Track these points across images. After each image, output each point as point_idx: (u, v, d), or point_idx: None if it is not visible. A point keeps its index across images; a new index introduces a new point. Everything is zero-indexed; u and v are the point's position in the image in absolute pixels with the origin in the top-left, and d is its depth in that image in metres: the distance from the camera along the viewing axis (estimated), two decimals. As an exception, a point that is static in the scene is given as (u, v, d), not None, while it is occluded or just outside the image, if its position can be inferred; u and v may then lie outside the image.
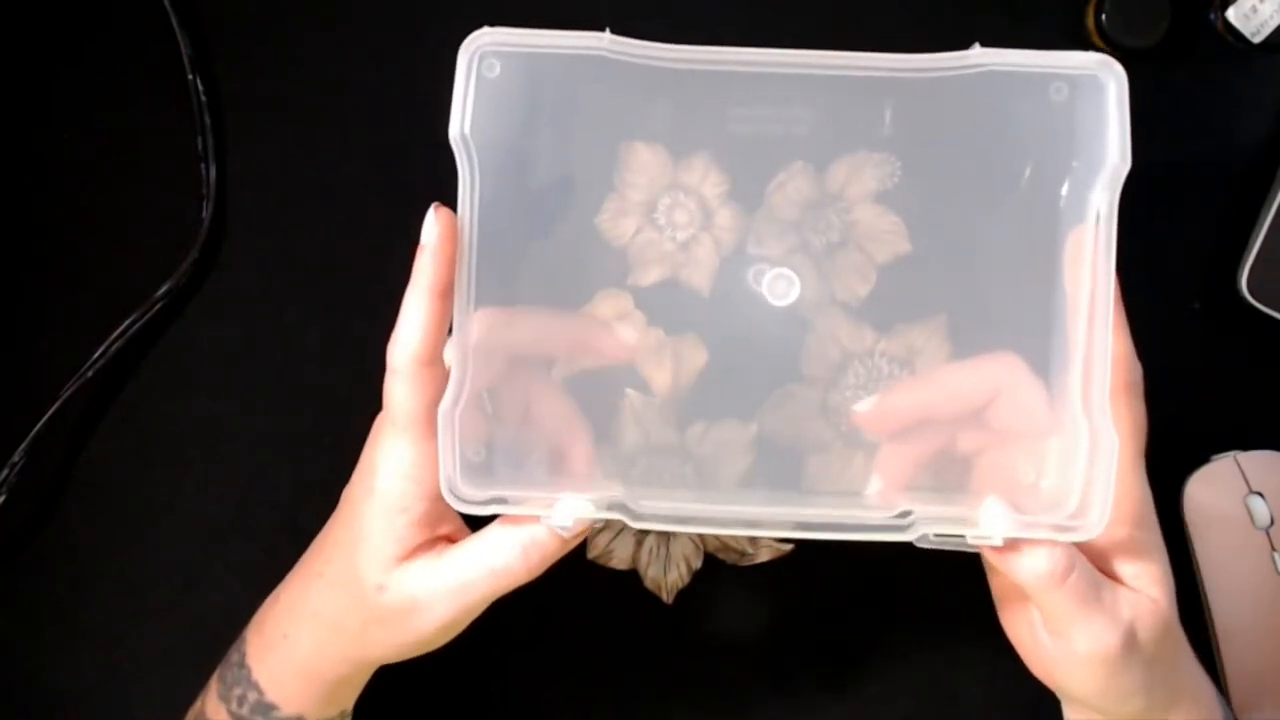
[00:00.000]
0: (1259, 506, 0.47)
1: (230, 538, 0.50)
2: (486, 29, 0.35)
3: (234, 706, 0.40)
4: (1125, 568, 0.36)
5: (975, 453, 0.37)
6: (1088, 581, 0.34)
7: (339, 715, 0.41)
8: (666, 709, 0.49)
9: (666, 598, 0.49)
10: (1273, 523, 0.47)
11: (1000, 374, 0.37)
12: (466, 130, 0.35)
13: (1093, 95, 0.35)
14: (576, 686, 0.49)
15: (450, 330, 0.36)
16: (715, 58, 0.35)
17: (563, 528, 0.35)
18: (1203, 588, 0.47)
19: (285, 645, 0.39)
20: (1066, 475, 0.35)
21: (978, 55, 0.35)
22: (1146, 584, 0.36)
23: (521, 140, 0.36)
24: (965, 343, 0.38)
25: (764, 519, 0.36)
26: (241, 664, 0.40)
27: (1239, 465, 0.47)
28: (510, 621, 0.49)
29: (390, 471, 0.36)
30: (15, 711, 0.49)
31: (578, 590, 0.49)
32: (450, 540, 0.37)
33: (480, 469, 0.36)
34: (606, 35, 0.35)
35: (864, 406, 0.38)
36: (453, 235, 0.35)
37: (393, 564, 0.36)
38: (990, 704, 0.49)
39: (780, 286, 0.38)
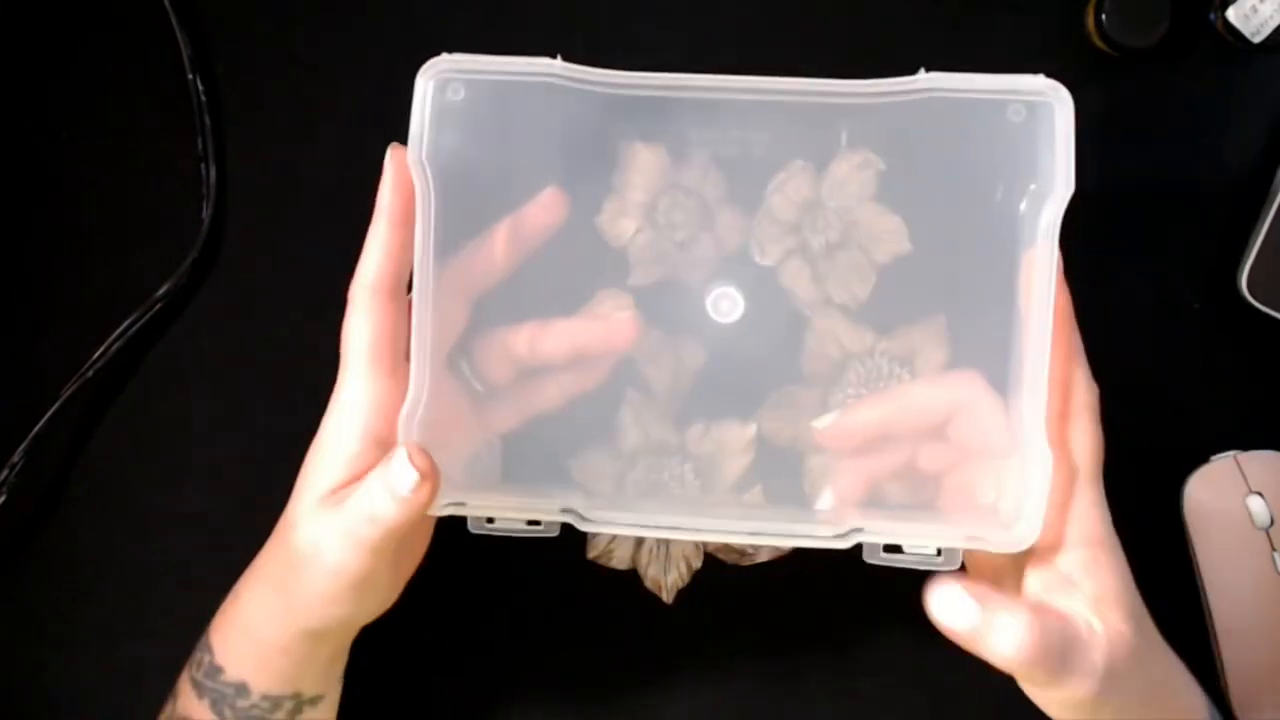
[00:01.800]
0: (1259, 506, 0.47)
1: (230, 538, 0.49)
2: (445, 55, 0.37)
3: (193, 671, 0.41)
4: (1085, 588, 0.36)
5: (939, 470, 0.38)
6: (1057, 651, 0.34)
7: (291, 695, 0.40)
8: (666, 709, 0.49)
9: (666, 598, 0.49)
10: (1273, 523, 0.47)
11: (960, 392, 0.37)
12: (423, 155, 0.36)
13: (1046, 118, 0.35)
14: (576, 686, 0.49)
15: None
16: (667, 84, 0.36)
17: (401, 491, 0.34)
18: (1203, 588, 0.47)
19: (234, 608, 0.40)
20: (1019, 496, 0.36)
21: (924, 80, 0.35)
22: (1108, 607, 0.36)
23: (478, 162, 0.37)
24: (962, 347, 0.38)
25: (713, 528, 0.37)
26: (204, 625, 0.41)
27: (1239, 465, 0.47)
28: (510, 621, 0.49)
29: (335, 411, 0.37)
30: (15, 711, 0.49)
31: (578, 590, 0.49)
32: None
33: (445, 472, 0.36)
34: (558, 62, 0.36)
35: (823, 423, 0.38)
36: (404, 166, 0.37)
37: (314, 504, 0.36)
38: (990, 704, 0.49)
39: (724, 305, 0.38)
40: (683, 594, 0.49)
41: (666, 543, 0.49)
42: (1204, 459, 0.48)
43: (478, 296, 0.38)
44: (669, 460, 0.39)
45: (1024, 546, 0.35)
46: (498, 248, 0.38)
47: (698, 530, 0.37)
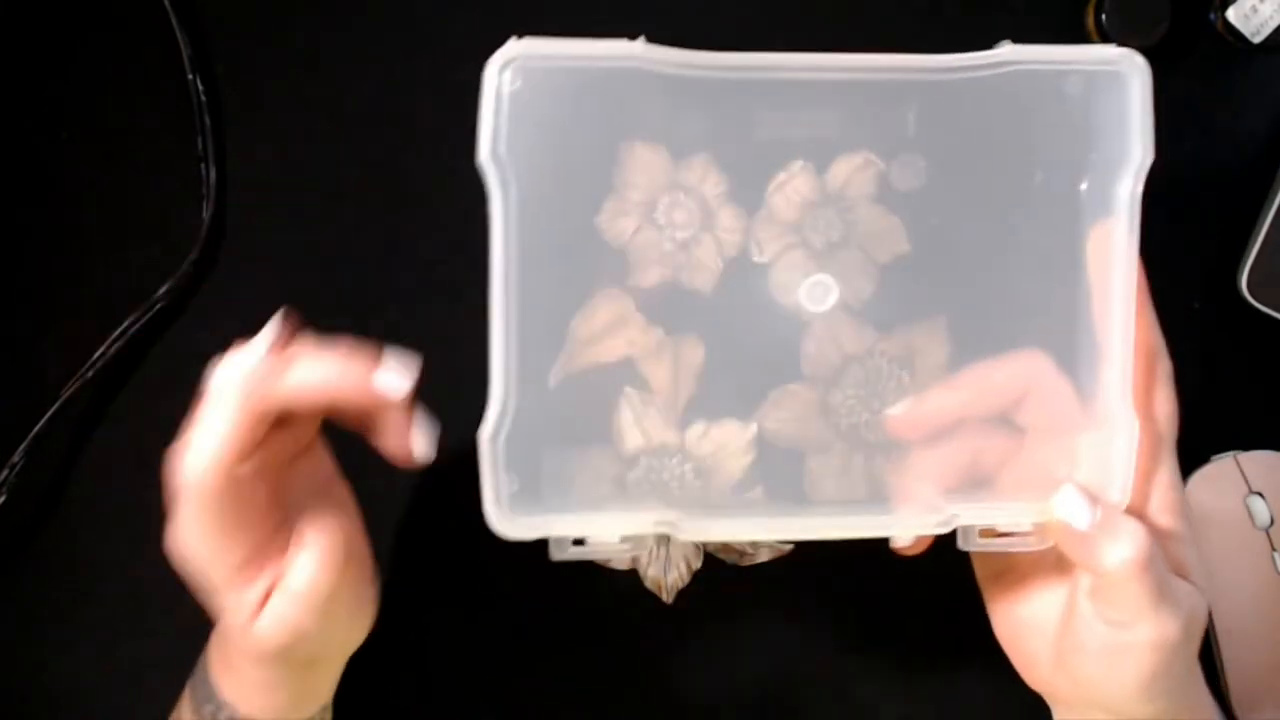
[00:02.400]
0: (1259, 506, 0.47)
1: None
2: (514, 41, 0.34)
3: (200, 709, 0.40)
4: (1172, 556, 0.36)
5: (1015, 453, 0.37)
6: (1163, 570, 0.34)
7: (319, 709, 0.41)
8: (667, 709, 0.49)
9: (666, 598, 0.49)
10: (1273, 523, 0.47)
11: (1030, 371, 0.36)
12: (502, 150, 0.34)
13: (1112, 89, 0.35)
14: (576, 686, 0.49)
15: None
16: (745, 64, 0.35)
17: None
18: (1203, 588, 0.47)
19: (242, 669, 0.39)
20: (1102, 467, 0.35)
21: (1007, 53, 0.35)
22: (1188, 573, 0.36)
23: (554, 155, 0.35)
24: (966, 343, 0.38)
25: (807, 528, 0.37)
26: (206, 680, 0.40)
27: (1239, 465, 0.47)
28: (510, 621, 0.49)
29: (186, 535, 0.38)
30: (15, 711, 0.49)
31: (578, 590, 0.49)
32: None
33: (521, 498, 0.35)
34: (640, 44, 0.35)
35: (897, 410, 0.37)
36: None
37: (251, 618, 0.37)
38: (990, 704, 0.49)
39: (818, 293, 0.38)
40: (683, 594, 0.49)
41: (666, 543, 0.49)
42: (1204, 459, 0.48)
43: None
44: (669, 460, 0.39)
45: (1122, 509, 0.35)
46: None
47: (789, 530, 0.37)
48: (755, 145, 0.38)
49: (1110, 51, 0.35)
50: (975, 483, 0.37)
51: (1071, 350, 0.36)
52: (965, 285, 0.38)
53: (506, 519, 0.35)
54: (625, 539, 0.35)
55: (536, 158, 0.35)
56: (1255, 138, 0.49)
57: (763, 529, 0.37)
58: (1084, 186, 0.36)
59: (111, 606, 0.49)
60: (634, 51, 0.35)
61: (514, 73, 0.34)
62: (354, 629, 0.39)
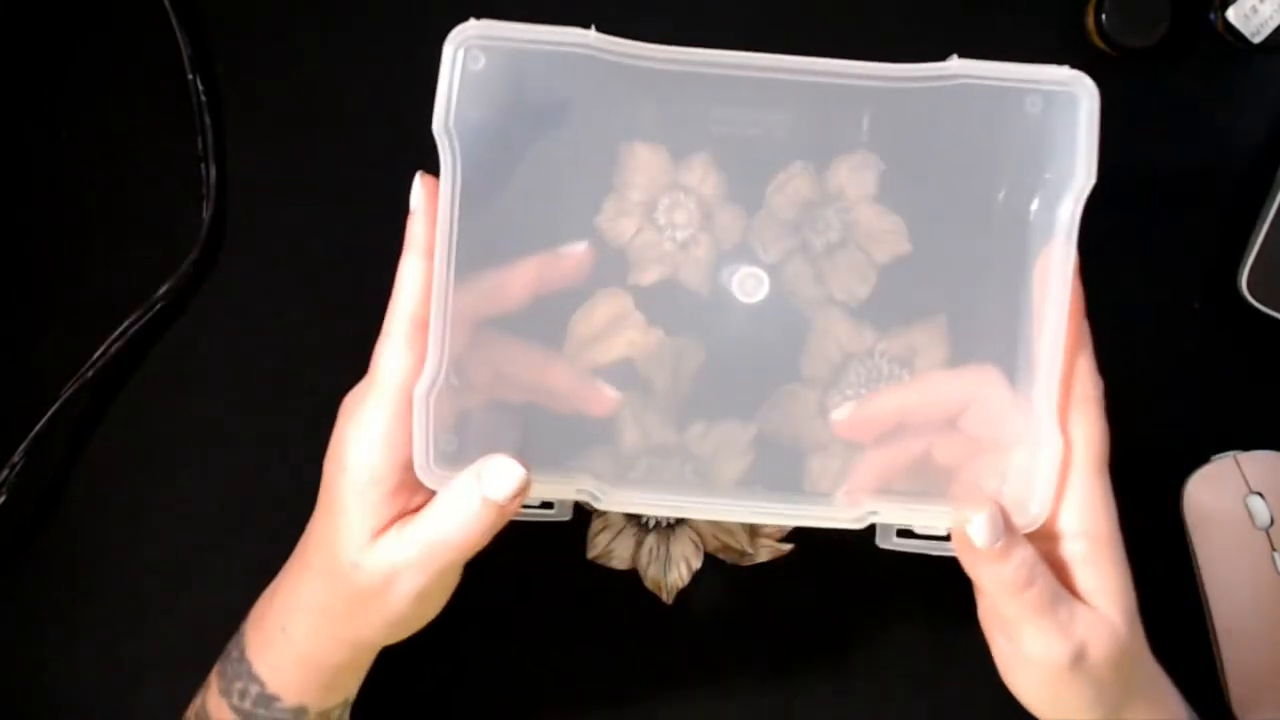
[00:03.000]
0: (1259, 506, 0.47)
1: (230, 538, 0.50)
2: (473, 21, 0.36)
3: (235, 700, 0.40)
4: (1085, 581, 0.36)
5: (952, 460, 0.38)
6: (1047, 594, 0.35)
7: (341, 704, 0.42)
8: (666, 709, 0.49)
9: (666, 598, 0.49)
10: (1273, 523, 0.47)
11: (975, 383, 0.37)
12: (451, 123, 0.36)
13: (1065, 110, 0.35)
14: (576, 686, 0.49)
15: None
16: (700, 59, 0.36)
17: (495, 496, 0.35)
18: (1203, 588, 0.47)
19: (284, 638, 0.39)
20: (1026, 482, 0.36)
21: (956, 67, 0.36)
22: (1105, 601, 0.36)
23: (506, 133, 0.37)
24: (963, 345, 0.38)
25: (724, 508, 0.38)
26: (241, 658, 0.40)
27: (1239, 465, 0.47)
28: (510, 621, 0.49)
29: (363, 443, 0.36)
30: (15, 711, 0.49)
31: (578, 590, 0.49)
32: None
33: (452, 455, 0.36)
34: (593, 33, 0.36)
35: (841, 414, 0.38)
36: (434, 197, 0.36)
37: (367, 540, 0.36)
38: (990, 703, 0.49)
39: (750, 285, 0.38)
40: (683, 594, 0.49)
41: (667, 543, 0.49)
42: (1204, 459, 0.48)
43: (484, 319, 0.38)
44: (669, 460, 0.39)
45: (1031, 529, 0.36)
46: (515, 284, 0.38)
47: (709, 508, 0.37)
48: (750, 146, 0.38)
49: (1060, 72, 0.35)
50: (912, 484, 0.38)
51: (1014, 366, 0.37)
52: (945, 288, 0.38)
53: (430, 473, 0.36)
54: (545, 503, 0.37)
55: (487, 132, 0.36)
56: (1255, 138, 0.49)
57: (675, 506, 0.38)
58: (1035, 205, 0.36)
59: (111, 606, 0.49)
60: (586, 39, 0.36)
61: (470, 50, 0.36)
62: (408, 627, 0.39)
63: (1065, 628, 0.35)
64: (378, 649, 0.41)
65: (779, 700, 0.49)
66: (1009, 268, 0.37)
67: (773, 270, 0.39)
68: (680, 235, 0.39)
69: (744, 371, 0.39)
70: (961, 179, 0.37)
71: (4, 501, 0.48)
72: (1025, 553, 0.35)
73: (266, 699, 0.40)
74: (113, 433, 0.50)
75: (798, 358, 0.39)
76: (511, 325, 0.38)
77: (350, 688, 0.42)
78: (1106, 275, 0.49)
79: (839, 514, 0.37)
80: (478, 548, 0.36)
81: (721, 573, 0.49)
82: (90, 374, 0.49)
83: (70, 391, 0.48)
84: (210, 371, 0.50)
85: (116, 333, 0.49)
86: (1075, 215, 0.35)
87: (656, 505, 0.39)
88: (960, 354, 0.38)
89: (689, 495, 0.38)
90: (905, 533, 0.37)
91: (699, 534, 0.49)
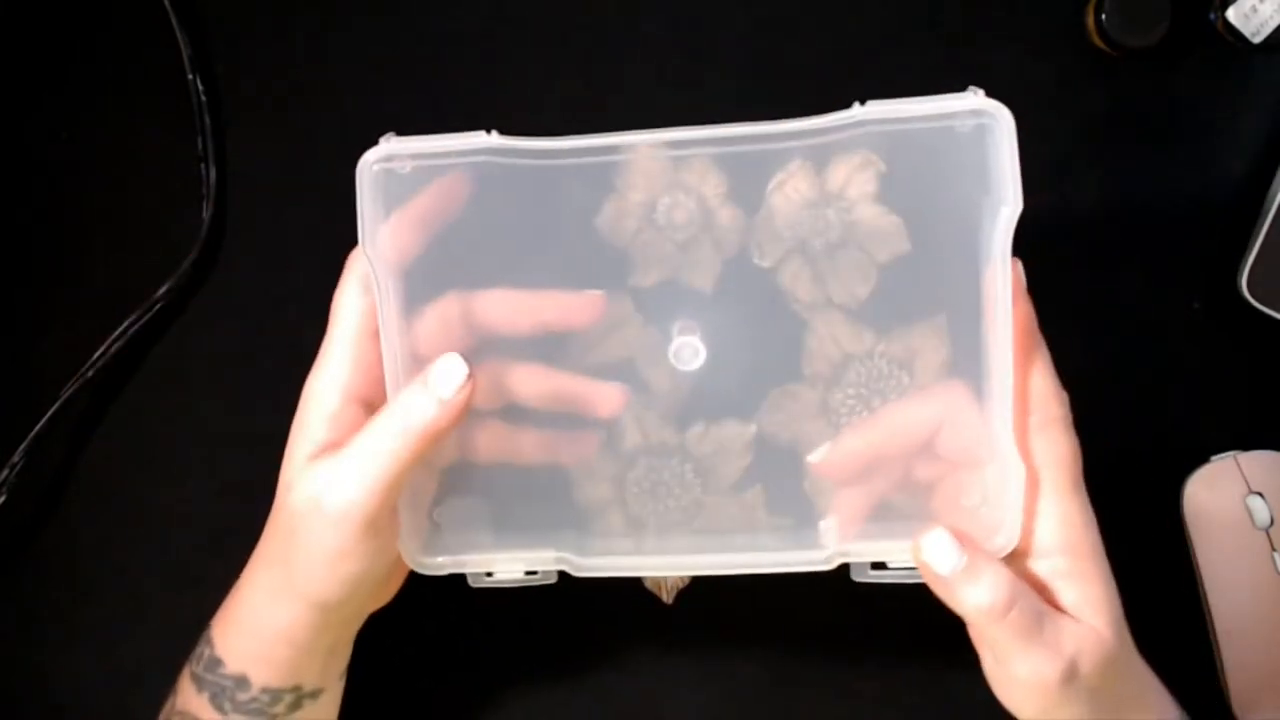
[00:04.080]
0: (1259, 506, 0.47)
1: (230, 538, 0.49)
2: (382, 142, 0.37)
3: (194, 666, 0.40)
4: (1067, 595, 0.36)
5: (931, 482, 0.38)
6: (1030, 615, 0.35)
7: (291, 689, 0.40)
8: (666, 709, 0.49)
9: (666, 598, 0.49)
10: (1273, 523, 0.47)
11: (945, 405, 0.37)
12: (380, 241, 0.37)
13: (989, 136, 0.35)
14: (577, 686, 0.49)
15: None
16: (604, 145, 0.36)
17: (445, 394, 0.35)
18: (1203, 588, 0.47)
19: (235, 597, 0.40)
20: (999, 504, 0.36)
21: (860, 114, 0.36)
22: (1090, 613, 0.36)
23: (429, 240, 0.38)
24: (963, 346, 0.38)
25: (704, 564, 0.39)
26: (203, 625, 0.41)
27: (1239, 465, 0.47)
28: (510, 621, 0.49)
29: (314, 374, 0.38)
30: (15, 711, 0.49)
31: (578, 590, 0.49)
32: None
33: (435, 539, 0.39)
34: (493, 137, 0.37)
35: (817, 457, 0.38)
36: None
37: (304, 462, 0.37)
38: (990, 703, 0.49)
39: (686, 355, 0.39)
40: (683, 594, 0.49)
41: (666, 543, 0.49)
42: (1204, 459, 0.48)
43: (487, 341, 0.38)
44: (669, 461, 0.39)
45: (1003, 554, 0.36)
46: (528, 312, 0.38)
47: (677, 567, 0.39)
48: (749, 145, 0.38)
49: (973, 102, 0.35)
50: (899, 511, 0.38)
51: (980, 386, 0.37)
52: (910, 301, 0.38)
53: (418, 558, 0.38)
54: (530, 572, 0.39)
55: (415, 244, 0.38)
56: (1255, 138, 0.49)
57: (652, 566, 0.39)
58: (980, 228, 0.36)
59: (111, 606, 0.49)
60: (489, 144, 0.37)
61: (383, 172, 0.37)
62: (381, 568, 0.38)
63: (1053, 646, 0.35)
64: (329, 626, 0.39)
65: (779, 700, 0.49)
66: (969, 288, 0.36)
67: (770, 273, 0.39)
68: (680, 236, 0.39)
69: (744, 372, 0.39)
70: (915, 200, 0.37)
71: (4, 501, 0.48)
72: (999, 575, 0.35)
73: (213, 662, 0.40)
74: (113, 433, 0.50)
75: (797, 358, 0.39)
76: (512, 348, 0.38)
77: (301, 674, 0.40)
78: (1106, 275, 0.49)
79: (808, 557, 0.37)
80: (412, 458, 0.35)
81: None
82: (90, 374, 0.49)
83: (70, 391, 0.48)
84: (210, 372, 0.50)
85: (116, 333, 0.49)
86: (1007, 237, 0.35)
87: (628, 567, 0.39)
88: (962, 354, 0.38)
89: (659, 556, 0.39)
90: (879, 564, 0.37)
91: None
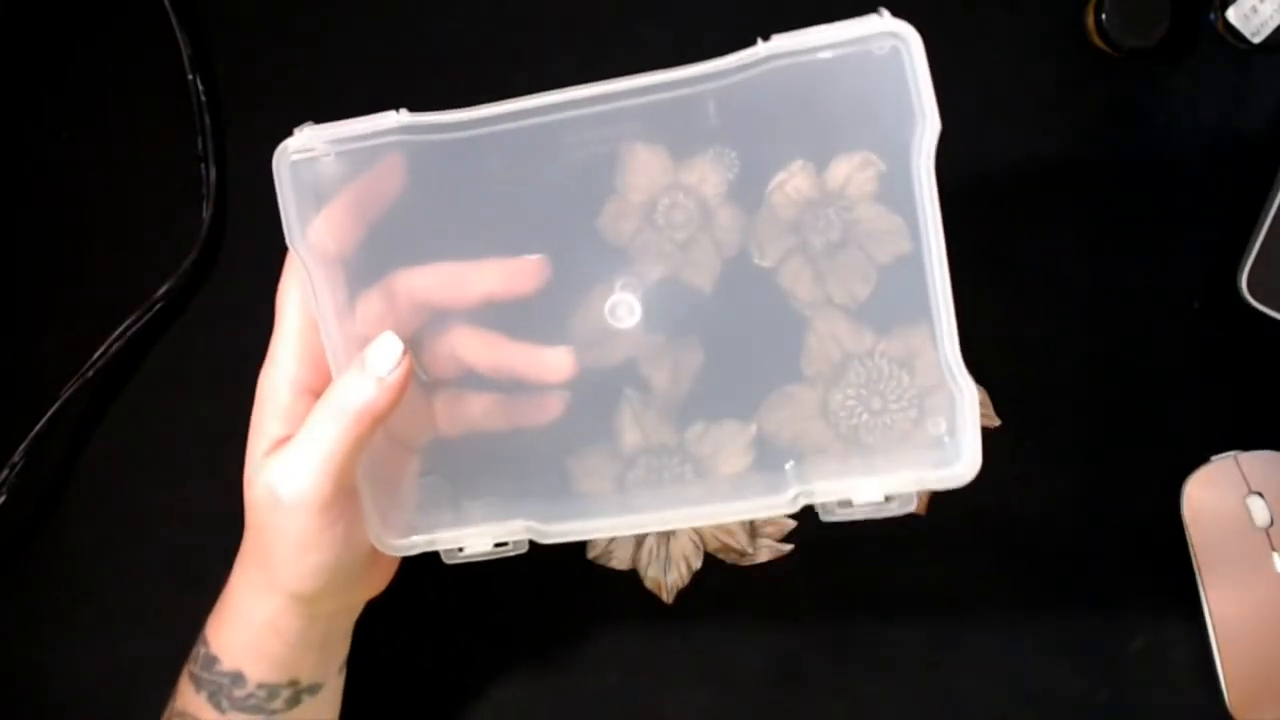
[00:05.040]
0: (1259, 506, 0.47)
1: (230, 538, 0.49)
2: (296, 133, 0.37)
3: (191, 665, 0.41)
4: None
5: (893, 413, 0.38)
6: None
7: (288, 684, 0.40)
8: (667, 709, 0.49)
9: (666, 598, 0.49)
10: (1272, 522, 0.47)
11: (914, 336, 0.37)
12: (304, 231, 0.37)
13: (903, 58, 0.34)
14: (577, 686, 0.49)
15: None
16: (514, 110, 0.36)
17: (381, 371, 0.35)
18: (1203, 588, 0.47)
19: (225, 595, 0.40)
20: (957, 430, 0.35)
21: (765, 49, 0.35)
22: None
23: (356, 225, 0.38)
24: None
25: (660, 519, 0.38)
26: (200, 626, 0.41)
27: (1239, 465, 0.47)
28: (510, 621, 0.49)
29: (264, 370, 0.38)
30: (15, 711, 0.49)
31: (578, 590, 0.49)
32: None
33: (400, 516, 0.38)
34: (402, 115, 0.36)
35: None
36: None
37: (260, 458, 0.37)
38: (990, 703, 0.49)
39: (621, 311, 0.38)
40: (683, 594, 0.49)
41: (666, 543, 0.49)
42: (1204, 459, 0.48)
43: (439, 309, 0.38)
44: (669, 460, 0.39)
45: (964, 481, 0.35)
46: (473, 282, 0.38)
47: (644, 524, 0.38)
48: (748, 145, 0.37)
49: (877, 23, 0.34)
50: (855, 448, 0.38)
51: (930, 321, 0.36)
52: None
53: (385, 540, 0.38)
54: (499, 544, 0.38)
55: (354, 232, 0.37)
56: (1255, 138, 0.49)
57: (613, 527, 0.38)
58: (909, 156, 0.35)
59: (111, 606, 0.49)
60: (400, 122, 0.36)
61: (301, 162, 0.37)
62: (328, 567, 0.38)
63: None
64: (317, 617, 0.39)
65: (779, 700, 0.49)
66: (909, 217, 0.35)
67: (770, 273, 0.38)
68: (680, 235, 0.39)
69: (744, 371, 0.39)
70: (840, 132, 0.37)
71: (4, 501, 0.48)
72: None
73: (209, 660, 0.40)
74: (113, 433, 0.50)
75: (797, 358, 0.39)
76: (465, 320, 0.39)
77: (296, 668, 0.40)
78: (1107, 275, 0.49)
79: (768, 501, 0.37)
80: (356, 440, 0.35)
81: (721, 573, 0.49)
82: (90, 374, 0.49)
83: (70, 391, 0.48)
84: (210, 372, 0.50)
85: (116, 333, 0.49)
86: (928, 164, 0.34)
87: (593, 531, 0.38)
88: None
89: (619, 516, 0.38)
90: (845, 502, 0.37)
91: (699, 534, 0.49)
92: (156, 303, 0.49)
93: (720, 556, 0.49)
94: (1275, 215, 0.47)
